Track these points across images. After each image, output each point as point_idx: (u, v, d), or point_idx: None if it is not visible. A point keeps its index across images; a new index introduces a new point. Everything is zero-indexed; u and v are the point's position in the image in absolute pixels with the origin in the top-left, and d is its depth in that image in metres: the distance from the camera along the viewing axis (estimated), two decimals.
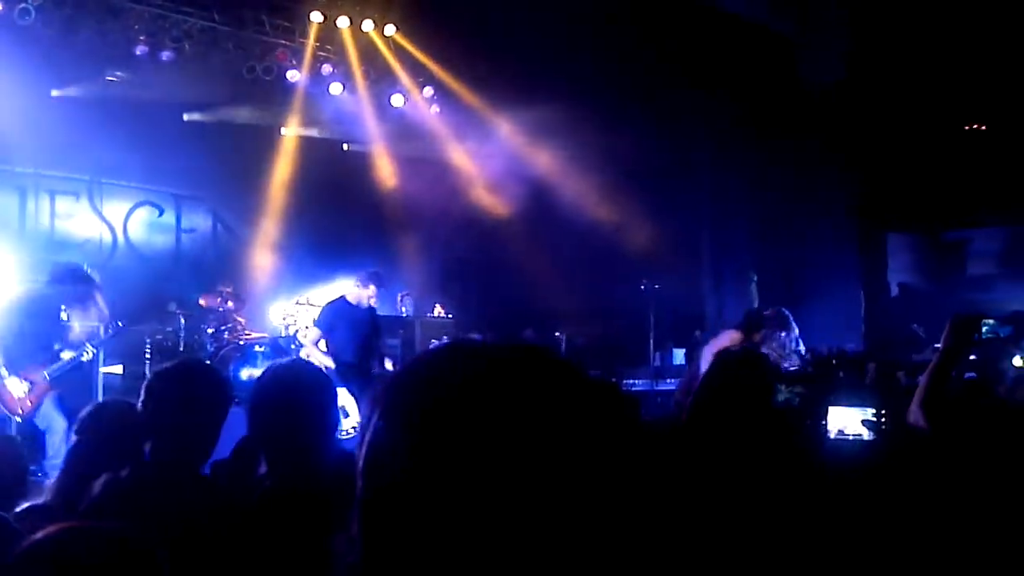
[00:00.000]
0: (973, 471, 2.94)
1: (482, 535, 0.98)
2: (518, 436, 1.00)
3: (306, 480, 2.54)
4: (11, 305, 7.64)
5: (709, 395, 2.09)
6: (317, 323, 8.81)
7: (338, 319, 8.66)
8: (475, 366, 1.07)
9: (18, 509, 2.59)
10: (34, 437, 7.25)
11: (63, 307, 7.73)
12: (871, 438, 2.60)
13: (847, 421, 2.68)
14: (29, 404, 7.42)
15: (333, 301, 8.95)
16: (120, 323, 8.23)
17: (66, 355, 7.67)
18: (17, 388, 7.41)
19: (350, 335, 8.62)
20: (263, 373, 2.89)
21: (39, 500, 2.90)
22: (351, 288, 8.80)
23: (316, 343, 8.77)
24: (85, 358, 7.78)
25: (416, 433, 1.02)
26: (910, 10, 11.42)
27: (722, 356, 2.14)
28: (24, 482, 3.33)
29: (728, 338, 8.56)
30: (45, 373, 7.50)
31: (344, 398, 8.11)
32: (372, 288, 8.73)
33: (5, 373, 7.38)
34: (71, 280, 7.73)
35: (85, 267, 7.97)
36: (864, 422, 2.62)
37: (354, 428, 8.23)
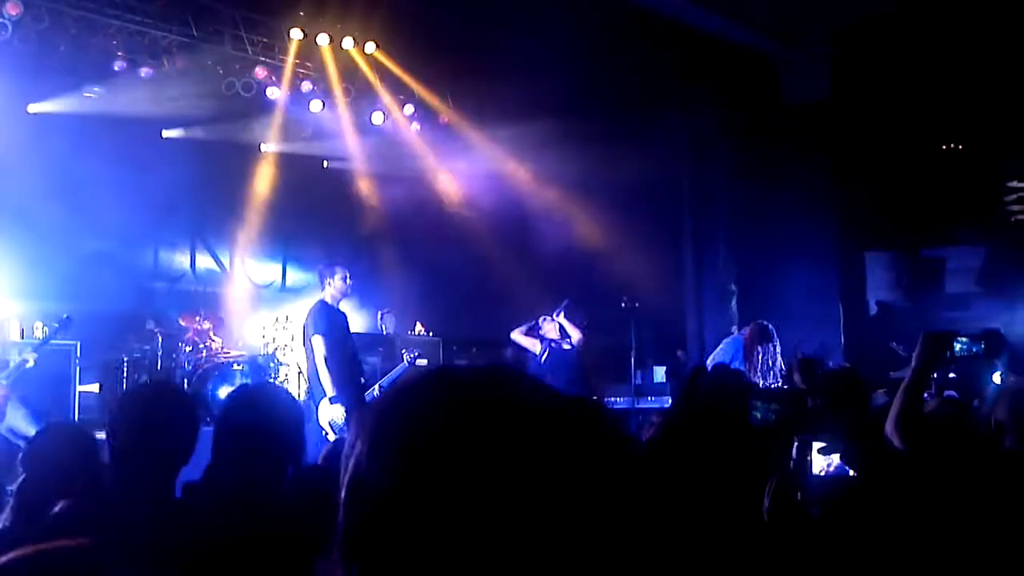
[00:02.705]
0: (951, 492, 2.93)
1: (465, 563, 0.98)
2: (499, 464, 1.00)
3: (271, 503, 2.51)
4: None
5: (681, 411, 2.07)
6: (319, 331, 7.75)
7: (328, 321, 7.86)
8: (457, 394, 1.07)
9: None
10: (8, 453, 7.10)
11: None
12: (851, 473, 2.56)
13: (831, 456, 2.63)
14: None
15: (318, 306, 8.02)
16: (65, 315, 8.14)
17: (14, 359, 7.62)
18: None
19: (338, 340, 7.86)
20: (230, 394, 2.86)
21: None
22: (326, 290, 8.01)
23: (324, 355, 7.65)
24: (28, 365, 7.69)
25: (401, 463, 1.02)
26: (889, 32, 11.53)
27: (696, 372, 2.11)
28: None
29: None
30: (1, 379, 7.41)
31: (331, 414, 7.72)
32: (339, 272, 7.95)
33: None
34: None
35: None
36: (842, 457, 2.57)
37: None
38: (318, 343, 7.69)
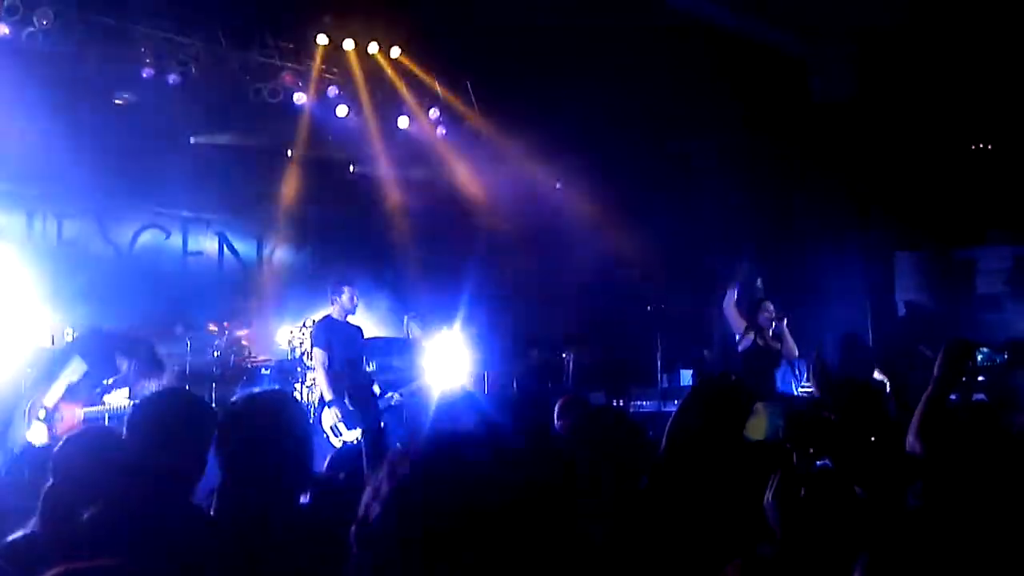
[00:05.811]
0: (974, 497, 2.90)
1: None
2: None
3: (288, 515, 2.51)
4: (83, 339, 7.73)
5: (685, 423, 2.07)
6: (316, 343, 8.64)
7: (331, 335, 8.54)
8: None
9: (3, 541, 2.53)
10: None
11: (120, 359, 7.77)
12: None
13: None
14: None
15: (321, 320, 8.83)
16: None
17: (109, 398, 7.75)
18: (74, 416, 7.43)
19: (343, 351, 8.52)
20: (235, 401, 2.85)
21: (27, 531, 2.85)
22: (333, 306, 8.68)
23: (324, 365, 8.51)
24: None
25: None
26: (917, 30, 11.42)
27: (702, 384, 2.11)
28: None
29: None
30: (82, 412, 7.52)
31: (331, 418, 8.22)
32: (347, 292, 8.56)
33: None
34: (144, 357, 7.77)
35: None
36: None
37: (356, 439, 8.16)
38: (318, 355, 8.53)
